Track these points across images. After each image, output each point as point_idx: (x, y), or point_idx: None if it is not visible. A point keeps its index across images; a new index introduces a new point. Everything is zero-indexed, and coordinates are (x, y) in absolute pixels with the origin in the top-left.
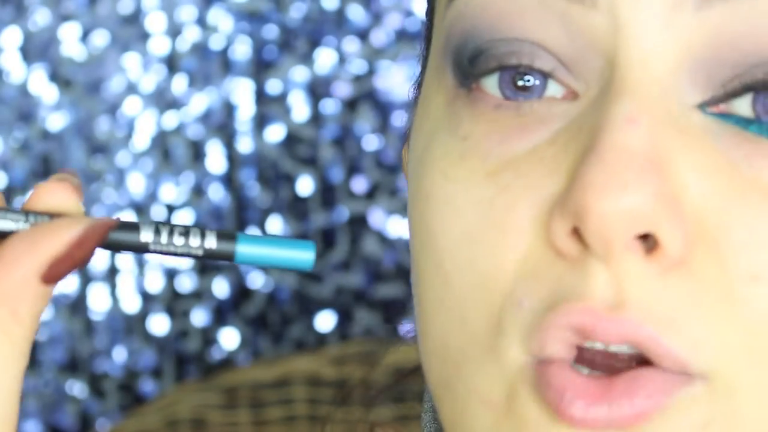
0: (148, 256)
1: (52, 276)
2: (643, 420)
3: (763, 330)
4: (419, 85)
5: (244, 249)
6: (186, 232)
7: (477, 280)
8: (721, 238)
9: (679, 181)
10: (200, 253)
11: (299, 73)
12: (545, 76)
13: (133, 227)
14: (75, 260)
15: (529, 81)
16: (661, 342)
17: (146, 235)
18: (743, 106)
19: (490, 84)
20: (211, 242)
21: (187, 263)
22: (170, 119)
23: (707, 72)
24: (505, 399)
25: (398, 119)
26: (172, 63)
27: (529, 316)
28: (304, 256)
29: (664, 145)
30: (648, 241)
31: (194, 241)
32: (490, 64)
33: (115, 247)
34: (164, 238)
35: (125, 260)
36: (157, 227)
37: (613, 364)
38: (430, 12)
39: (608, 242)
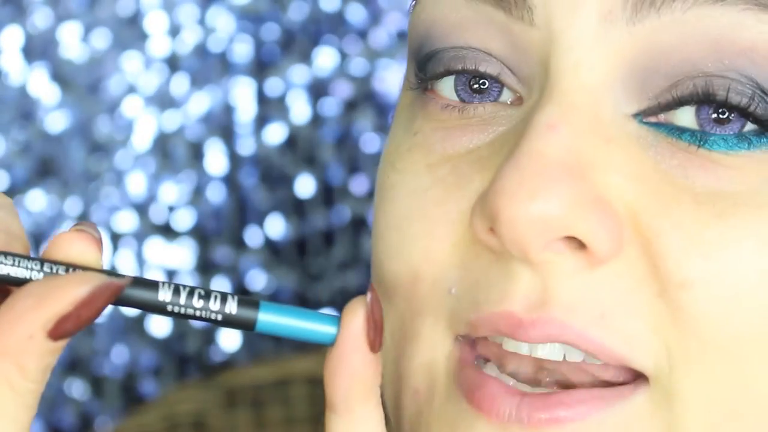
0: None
1: (58, 333)
2: (562, 422)
3: (695, 337)
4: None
5: (265, 317)
6: (206, 295)
7: (404, 267)
8: (653, 240)
9: (605, 185)
10: (219, 318)
11: (299, 74)
12: (495, 80)
13: (150, 285)
14: (82, 319)
15: (484, 84)
16: (590, 337)
17: (164, 295)
18: (686, 117)
19: (446, 87)
20: (232, 308)
21: (187, 264)
22: (170, 119)
23: (641, 82)
24: (427, 388)
25: None
26: (172, 63)
27: (457, 304)
28: (325, 330)
29: (588, 150)
30: (576, 240)
31: (214, 305)
32: (438, 69)
33: (128, 304)
34: (183, 299)
35: (125, 261)
36: (177, 288)
37: (539, 380)
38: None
39: (521, 246)
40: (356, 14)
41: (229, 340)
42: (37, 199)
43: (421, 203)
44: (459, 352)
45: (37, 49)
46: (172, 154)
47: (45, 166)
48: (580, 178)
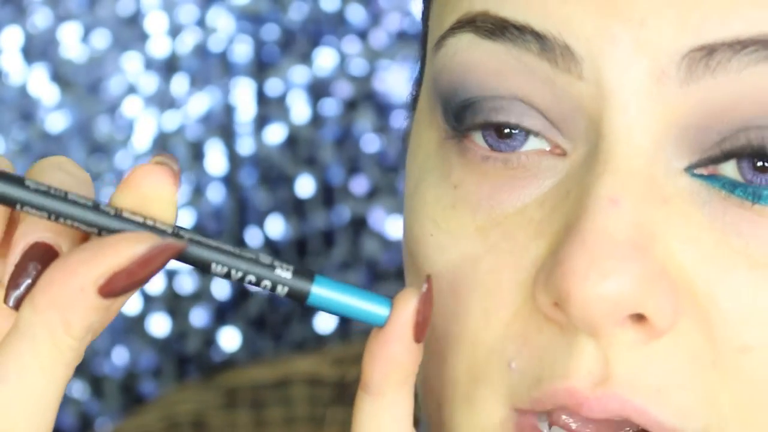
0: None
1: (110, 289)
2: None
3: (751, 398)
4: (418, 84)
5: (319, 290)
6: (261, 261)
7: (462, 333)
8: (709, 308)
9: (666, 254)
10: (270, 285)
11: (299, 74)
12: (533, 134)
13: (208, 247)
14: (136, 278)
15: (515, 130)
16: (649, 413)
17: (220, 257)
18: (729, 167)
19: (476, 131)
20: (287, 275)
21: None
22: (170, 120)
23: (693, 139)
24: None
25: (398, 119)
26: (172, 64)
27: (517, 379)
28: (377, 311)
29: (649, 219)
30: (638, 314)
31: (269, 272)
32: (477, 120)
33: (187, 262)
34: (239, 262)
35: None
36: (233, 252)
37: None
38: (425, 18)
39: (593, 326)
40: (356, 14)
41: (230, 341)
42: None
43: (476, 272)
44: (517, 418)
45: (37, 49)
46: (172, 154)
47: None
48: (645, 252)
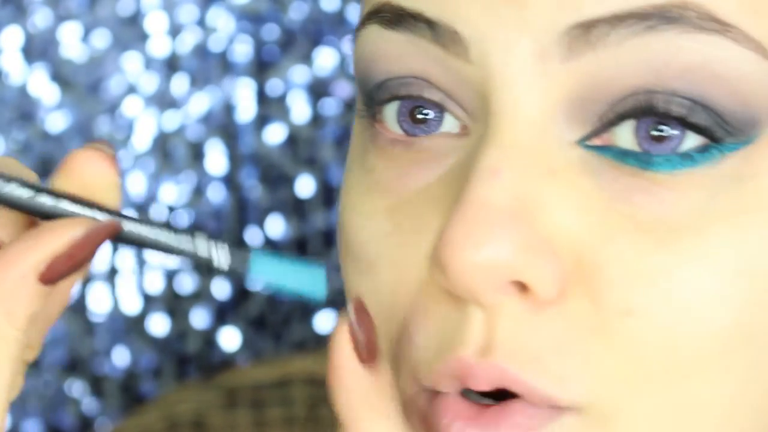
0: (149, 257)
1: (51, 274)
2: None
3: (640, 361)
4: None
5: (258, 264)
6: (194, 234)
7: (378, 310)
8: (595, 274)
9: (551, 223)
10: (206, 256)
11: (299, 74)
12: (439, 108)
13: (147, 223)
14: (75, 260)
15: (427, 114)
16: (525, 381)
17: (158, 233)
18: (625, 135)
19: (390, 116)
20: (223, 251)
21: (187, 263)
22: (170, 120)
23: (583, 110)
24: None
25: None
26: (172, 63)
27: (419, 353)
28: (315, 283)
29: (533, 189)
30: (521, 283)
31: (202, 246)
32: (384, 95)
33: (126, 242)
34: (176, 239)
35: (125, 261)
36: (170, 226)
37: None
38: None
39: (471, 292)
40: (356, 14)
41: (230, 341)
42: None
43: (386, 250)
44: (423, 397)
45: (37, 49)
46: (172, 154)
47: (45, 166)
48: (525, 221)
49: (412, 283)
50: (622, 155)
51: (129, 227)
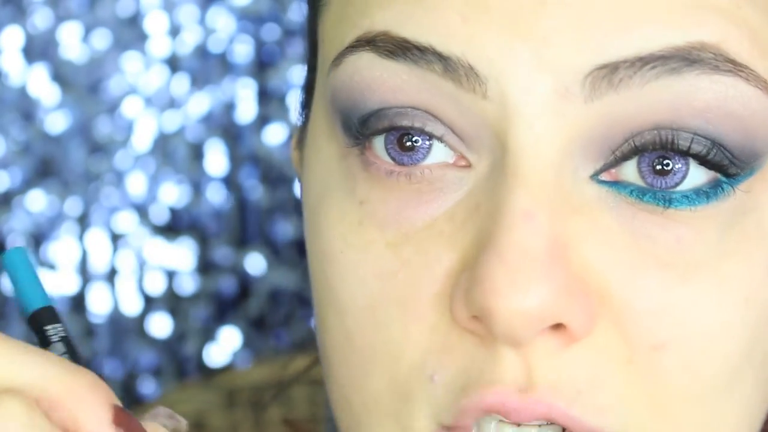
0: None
1: None
2: None
3: (668, 395)
4: (308, 89)
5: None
6: None
7: (382, 347)
8: (623, 309)
9: (580, 261)
10: None
11: (299, 74)
12: (429, 136)
13: None
14: None
15: (416, 142)
16: (572, 415)
17: None
18: (629, 170)
19: (379, 145)
20: None
21: (187, 264)
22: (171, 120)
23: (599, 147)
24: None
25: None
26: (172, 64)
27: (441, 392)
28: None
29: (563, 229)
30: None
31: None
32: (381, 124)
33: None
34: None
35: (125, 261)
36: None
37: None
38: (313, 23)
39: (515, 338)
40: None
41: (230, 341)
42: (37, 199)
43: (392, 287)
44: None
45: (37, 49)
46: (173, 154)
47: (45, 167)
48: (561, 262)
49: (423, 322)
50: (640, 193)
51: None
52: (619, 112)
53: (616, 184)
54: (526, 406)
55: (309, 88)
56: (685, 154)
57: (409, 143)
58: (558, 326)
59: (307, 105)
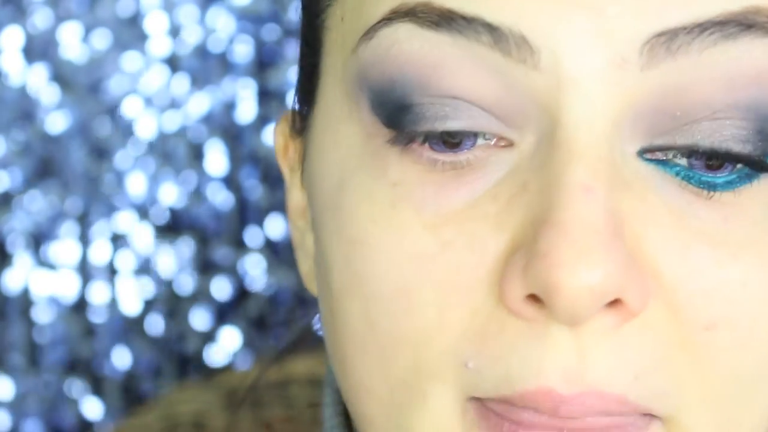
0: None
1: None
2: None
3: (717, 376)
4: (310, 76)
5: None
6: None
7: (410, 333)
8: (675, 288)
9: (633, 238)
10: None
11: None
12: (479, 135)
13: None
14: None
15: (460, 140)
16: (629, 401)
17: None
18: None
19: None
20: None
21: (187, 264)
22: (171, 120)
23: (649, 122)
24: None
25: None
26: (172, 64)
27: (475, 377)
28: None
29: (619, 206)
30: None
31: None
32: (418, 127)
33: None
34: None
35: (126, 261)
36: None
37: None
38: (311, 14)
39: (577, 316)
40: None
41: (230, 341)
42: (37, 199)
43: (429, 270)
44: (477, 405)
45: (37, 49)
46: (173, 154)
47: (45, 167)
48: (620, 238)
49: (462, 307)
50: (687, 175)
51: None
52: (673, 82)
53: (663, 163)
54: (576, 399)
55: (310, 75)
56: (727, 157)
57: (453, 141)
58: (613, 304)
59: (309, 92)
